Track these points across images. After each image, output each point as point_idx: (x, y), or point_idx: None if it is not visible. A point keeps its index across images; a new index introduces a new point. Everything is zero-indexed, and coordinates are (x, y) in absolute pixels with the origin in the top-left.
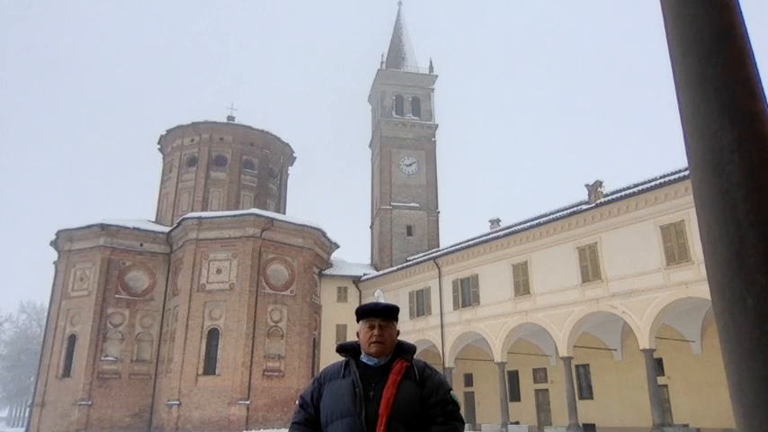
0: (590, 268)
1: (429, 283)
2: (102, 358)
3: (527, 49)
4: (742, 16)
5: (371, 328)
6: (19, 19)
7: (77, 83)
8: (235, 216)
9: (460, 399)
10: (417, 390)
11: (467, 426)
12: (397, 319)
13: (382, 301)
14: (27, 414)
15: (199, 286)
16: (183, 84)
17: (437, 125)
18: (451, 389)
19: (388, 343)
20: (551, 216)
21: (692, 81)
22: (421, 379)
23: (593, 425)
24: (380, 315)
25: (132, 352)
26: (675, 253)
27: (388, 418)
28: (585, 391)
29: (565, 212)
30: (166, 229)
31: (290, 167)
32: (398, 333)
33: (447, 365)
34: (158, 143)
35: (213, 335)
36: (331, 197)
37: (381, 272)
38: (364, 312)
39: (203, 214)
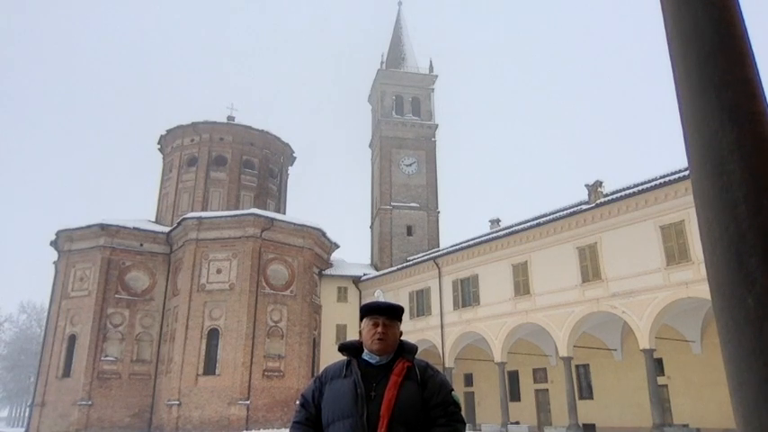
0: (590, 268)
1: (429, 283)
2: (102, 358)
3: (527, 48)
4: (742, 16)
5: (375, 325)
6: (20, 18)
7: (77, 82)
8: (235, 216)
9: (461, 399)
10: (419, 391)
11: (467, 426)
12: (400, 320)
13: (383, 300)
14: (27, 414)
15: (199, 286)
16: (183, 84)
17: (437, 125)
18: (453, 389)
19: (390, 341)
20: (551, 216)
21: (692, 81)
22: (422, 380)
23: (593, 425)
24: (385, 313)
25: (132, 352)
26: (675, 253)
27: (390, 419)
28: (585, 391)
29: (565, 212)
30: (166, 229)
31: (290, 167)
32: (401, 334)
33: (447, 365)
34: (158, 143)
35: (213, 335)
36: (331, 197)
37: (381, 272)
38: (369, 310)
39: (203, 214)
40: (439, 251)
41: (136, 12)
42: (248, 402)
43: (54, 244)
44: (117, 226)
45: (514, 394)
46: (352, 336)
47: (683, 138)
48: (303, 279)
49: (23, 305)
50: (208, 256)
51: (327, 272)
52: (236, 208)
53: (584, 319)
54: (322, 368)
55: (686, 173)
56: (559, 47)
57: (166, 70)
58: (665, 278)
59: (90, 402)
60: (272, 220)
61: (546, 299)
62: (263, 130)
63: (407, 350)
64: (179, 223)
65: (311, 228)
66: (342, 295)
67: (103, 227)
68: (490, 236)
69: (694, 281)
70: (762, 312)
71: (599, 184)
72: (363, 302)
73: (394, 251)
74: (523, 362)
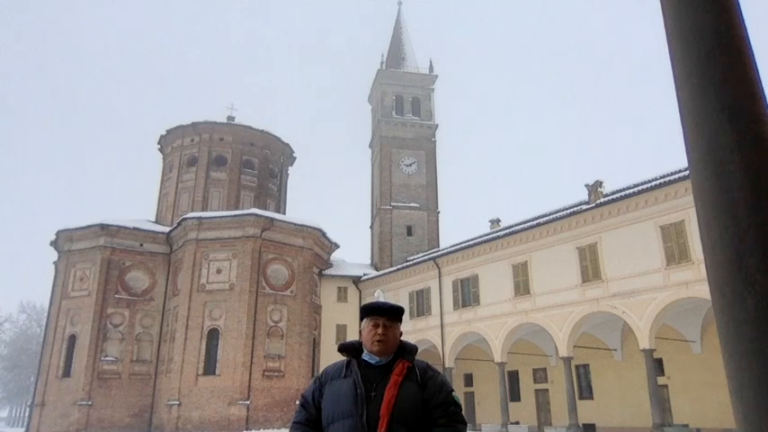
0: (590, 268)
1: (429, 283)
2: (102, 358)
3: (527, 48)
4: (742, 16)
5: (376, 326)
6: (19, 18)
7: (78, 82)
8: (235, 216)
9: (461, 399)
10: (419, 391)
11: (467, 426)
12: (401, 321)
13: (383, 300)
14: (27, 414)
15: (199, 286)
16: (183, 84)
17: (437, 125)
18: (453, 390)
19: (390, 343)
20: (551, 216)
21: (692, 81)
22: (422, 380)
23: (593, 425)
24: (386, 314)
25: (132, 352)
26: (675, 253)
27: (389, 419)
28: (585, 391)
29: (565, 212)
30: (166, 229)
31: (290, 167)
32: (401, 334)
33: (447, 365)
34: (158, 143)
35: (213, 335)
36: (331, 197)
37: (381, 272)
38: (370, 310)
39: (203, 214)
40: (439, 251)
41: (136, 12)
42: (248, 402)
43: (54, 244)
44: (117, 226)
45: (514, 394)
46: (352, 336)
47: (683, 138)
48: (303, 279)
49: (23, 305)
50: (208, 256)
51: (327, 272)
52: (236, 208)
53: (584, 319)
54: (322, 368)
55: (686, 173)
56: (559, 47)
57: (166, 70)
58: (665, 278)
59: (90, 402)
60: (272, 220)
61: (546, 299)
62: (263, 130)
63: (408, 351)
64: (179, 223)
65: (311, 228)
66: (342, 295)
67: (103, 227)
68: (490, 236)
69: (694, 281)
70: (762, 312)
71: (599, 184)
72: (363, 302)
73: (394, 251)
74: (523, 362)
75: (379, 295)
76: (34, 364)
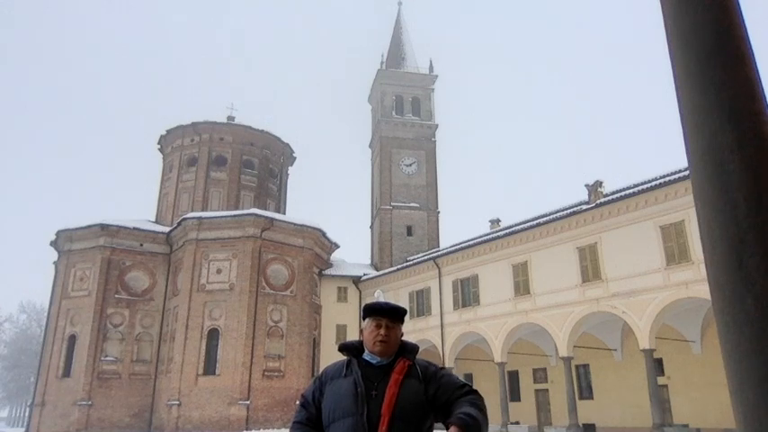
0: (590, 268)
1: (429, 283)
2: (102, 358)
3: (527, 48)
4: (742, 16)
5: (378, 327)
6: (20, 19)
7: (78, 82)
8: (235, 216)
9: None
10: (421, 388)
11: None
12: (403, 322)
13: (383, 300)
14: (27, 414)
15: (199, 286)
16: (183, 84)
17: (437, 125)
18: (456, 377)
19: (392, 343)
20: (551, 216)
21: (692, 81)
22: (425, 377)
23: (593, 425)
24: (388, 315)
25: (132, 352)
26: (675, 253)
27: (391, 417)
28: (585, 391)
29: (565, 212)
30: (166, 229)
31: (290, 167)
32: (402, 335)
33: (447, 365)
34: (158, 143)
35: (213, 335)
36: (331, 197)
37: (381, 272)
38: (372, 310)
39: (203, 214)
40: (439, 251)
41: (136, 12)
42: (248, 402)
43: (54, 244)
44: (117, 226)
45: (514, 394)
46: (352, 336)
47: (683, 138)
48: (303, 279)
49: (23, 305)
50: (208, 256)
51: (327, 272)
52: (236, 208)
53: (584, 319)
54: (322, 368)
55: (686, 173)
56: (559, 47)
57: (166, 70)
58: (665, 278)
59: (90, 402)
60: (272, 220)
61: (546, 299)
62: (263, 130)
63: (409, 350)
64: (179, 223)
65: (311, 228)
66: (342, 295)
67: (103, 227)
68: (490, 236)
69: (694, 281)
70: (762, 312)
71: (599, 184)
72: (363, 302)
73: (394, 251)
74: (523, 362)
75: (379, 295)
76: (34, 364)
